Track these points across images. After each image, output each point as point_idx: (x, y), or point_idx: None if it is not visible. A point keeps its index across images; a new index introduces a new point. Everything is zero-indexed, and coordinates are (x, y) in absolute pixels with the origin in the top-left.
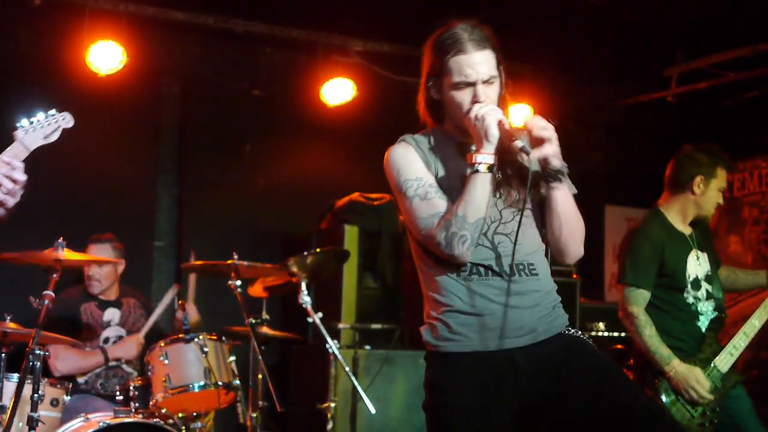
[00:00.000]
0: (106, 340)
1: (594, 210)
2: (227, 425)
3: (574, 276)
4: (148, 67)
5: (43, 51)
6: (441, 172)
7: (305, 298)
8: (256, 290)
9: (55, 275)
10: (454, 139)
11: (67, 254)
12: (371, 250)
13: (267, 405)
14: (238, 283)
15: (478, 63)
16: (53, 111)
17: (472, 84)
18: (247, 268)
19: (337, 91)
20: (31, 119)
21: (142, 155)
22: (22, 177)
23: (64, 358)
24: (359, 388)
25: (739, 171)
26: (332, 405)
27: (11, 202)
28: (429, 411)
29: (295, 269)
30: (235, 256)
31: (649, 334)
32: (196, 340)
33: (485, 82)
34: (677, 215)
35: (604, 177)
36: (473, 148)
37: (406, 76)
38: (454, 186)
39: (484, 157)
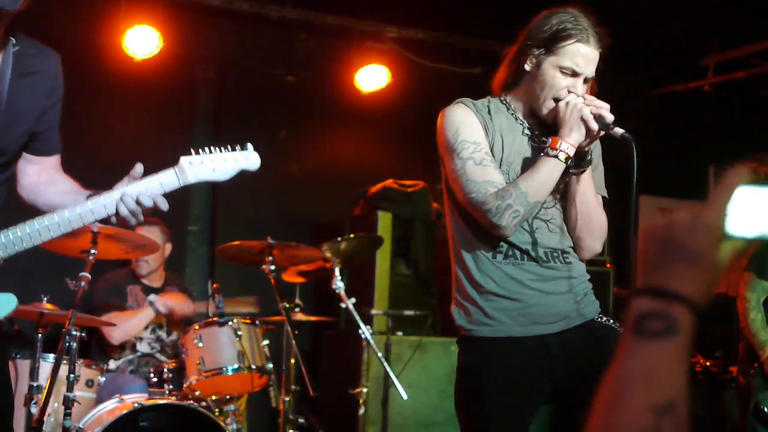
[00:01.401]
0: (146, 326)
1: (628, 199)
2: (260, 408)
3: (608, 265)
4: (184, 53)
5: (79, 35)
6: (497, 143)
7: (339, 284)
8: (290, 276)
9: (91, 257)
10: (515, 113)
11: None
12: (404, 237)
13: (299, 389)
14: (272, 267)
15: (592, 60)
16: (249, 147)
17: (577, 75)
18: (282, 249)
19: (372, 77)
20: (206, 150)
21: (177, 140)
22: (148, 206)
23: (117, 324)
24: (391, 374)
25: None
26: (364, 390)
27: (129, 224)
28: (462, 395)
29: (328, 255)
30: (270, 240)
31: (754, 318)
32: (230, 323)
33: (586, 80)
34: None
35: (638, 166)
36: (537, 133)
37: (440, 62)
38: (507, 160)
39: (568, 147)
